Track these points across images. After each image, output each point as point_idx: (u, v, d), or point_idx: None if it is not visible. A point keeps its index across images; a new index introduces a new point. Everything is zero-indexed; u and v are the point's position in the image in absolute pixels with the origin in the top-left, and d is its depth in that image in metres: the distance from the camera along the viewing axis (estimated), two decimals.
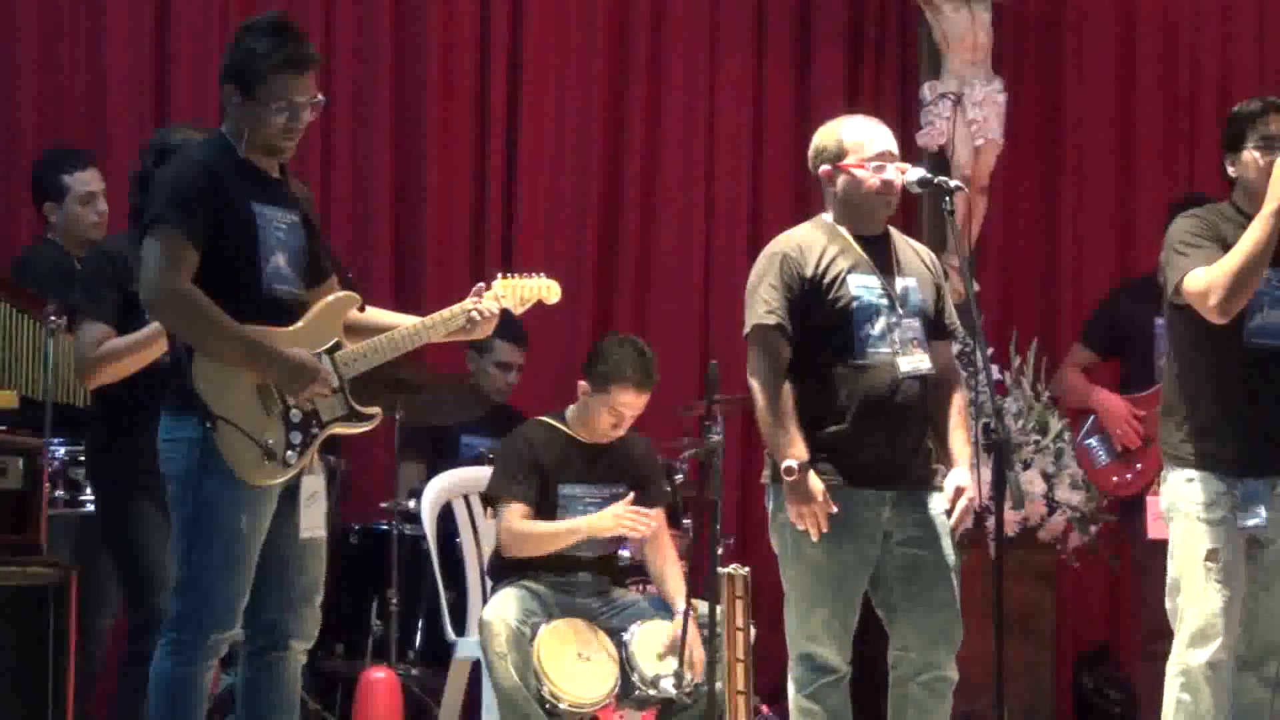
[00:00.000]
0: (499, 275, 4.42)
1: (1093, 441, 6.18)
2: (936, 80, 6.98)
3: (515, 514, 5.25)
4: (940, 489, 4.39)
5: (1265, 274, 4.48)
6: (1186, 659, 4.46)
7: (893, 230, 4.54)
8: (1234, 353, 4.48)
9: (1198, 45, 7.76)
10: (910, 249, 4.56)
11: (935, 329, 4.50)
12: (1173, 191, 7.00)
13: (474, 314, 4.28)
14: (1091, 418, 6.17)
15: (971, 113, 6.88)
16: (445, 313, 4.30)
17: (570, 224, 7.14)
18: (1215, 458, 4.47)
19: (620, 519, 5.18)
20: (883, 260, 4.46)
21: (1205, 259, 4.44)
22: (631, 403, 5.29)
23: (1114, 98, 7.71)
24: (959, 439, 4.41)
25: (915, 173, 4.46)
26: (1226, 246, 4.45)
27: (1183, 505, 4.50)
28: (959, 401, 4.47)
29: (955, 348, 4.57)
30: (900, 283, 4.43)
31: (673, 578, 5.30)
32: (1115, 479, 6.15)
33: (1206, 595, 4.44)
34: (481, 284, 4.36)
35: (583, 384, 5.34)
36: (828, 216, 4.53)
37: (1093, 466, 6.22)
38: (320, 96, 4.16)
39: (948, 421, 4.44)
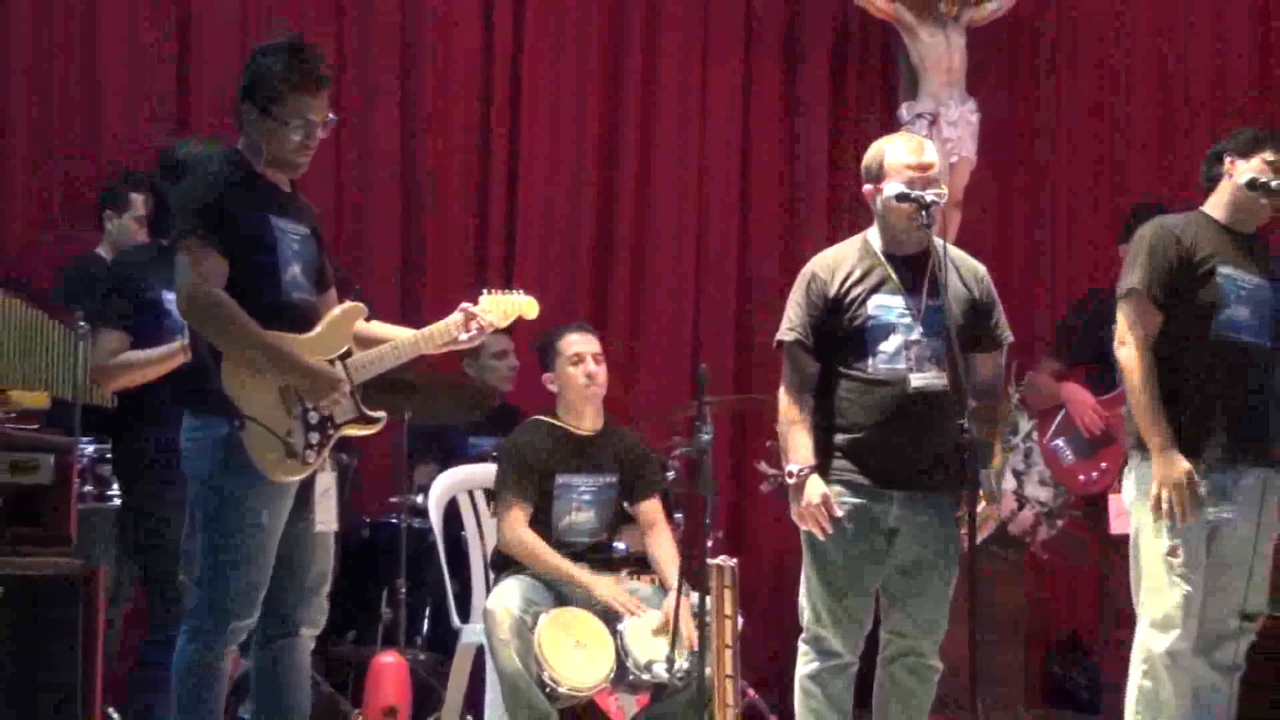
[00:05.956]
0: (484, 292, 4.62)
1: (1059, 443, 6.31)
2: (914, 101, 7.13)
3: (518, 519, 5.39)
4: (958, 498, 4.43)
5: (1231, 272, 4.59)
6: (1148, 647, 4.56)
7: (937, 246, 4.48)
8: (1200, 345, 4.57)
9: (1189, 55, 7.76)
10: (950, 266, 4.55)
11: (980, 341, 4.58)
12: (1162, 199, 7.01)
13: (480, 325, 4.50)
14: (1057, 420, 6.29)
15: (947, 131, 7.03)
16: (439, 325, 4.51)
17: (566, 227, 7.19)
18: (1181, 449, 4.53)
19: (617, 599, 5.31)
20: (914, 280, 4.53)
21: (1142, 284, 4.55)
22: (580, 341, 5.50)
23: (1104, 106, 7.73)
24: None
25: (893, 188, 4.50)
26: (1183, 256, 4.54)
27: (1147, 497, 4.57)
28: (997, 413, 4.65)
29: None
30: (928, 303, 4.51)
31: (668, 561, 5.44)
32: (1081, 477, 6.27)
33: (1168, 587, 4.53)
34: (466, 304, 4.55)
35: (546, 375, 5.55)
36: (870, 232, 4.64)
37: (1060, 465, 6.35)
38: (332, 115, 4.30)
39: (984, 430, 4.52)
